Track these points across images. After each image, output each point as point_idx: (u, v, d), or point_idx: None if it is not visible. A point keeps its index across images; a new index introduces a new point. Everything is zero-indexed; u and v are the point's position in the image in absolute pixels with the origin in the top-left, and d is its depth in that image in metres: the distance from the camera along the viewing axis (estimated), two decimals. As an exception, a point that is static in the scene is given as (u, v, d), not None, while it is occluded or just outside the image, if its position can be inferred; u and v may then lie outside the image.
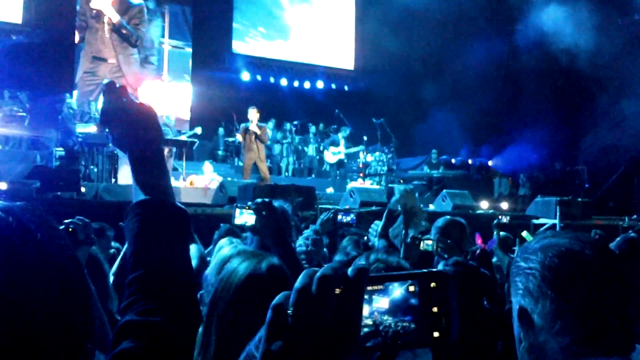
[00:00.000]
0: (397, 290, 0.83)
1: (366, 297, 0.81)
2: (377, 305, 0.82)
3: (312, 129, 19.19)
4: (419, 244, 3.99)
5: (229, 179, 12.86)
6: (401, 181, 17.85)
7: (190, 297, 1.35)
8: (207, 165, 14.68)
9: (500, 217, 6.14)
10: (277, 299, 0.78)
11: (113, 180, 11.97)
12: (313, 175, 18.50)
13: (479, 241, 5.16)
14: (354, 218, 5.04)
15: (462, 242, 4.64)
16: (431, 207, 13.37)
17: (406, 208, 4.23)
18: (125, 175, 12.15)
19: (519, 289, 1.42)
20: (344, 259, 3.65)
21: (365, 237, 4.87)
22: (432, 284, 0.83)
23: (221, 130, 18.46)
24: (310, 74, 23.15)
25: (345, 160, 17.27)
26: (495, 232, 5.86)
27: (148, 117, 1.50)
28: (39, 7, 17.61)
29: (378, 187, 15.64)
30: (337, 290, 0.77)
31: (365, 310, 0.81)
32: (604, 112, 19.61)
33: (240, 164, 15.25)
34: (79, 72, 10.32)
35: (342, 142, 16.95)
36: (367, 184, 16.55)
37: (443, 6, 20.49)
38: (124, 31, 10.25)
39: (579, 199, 13.47)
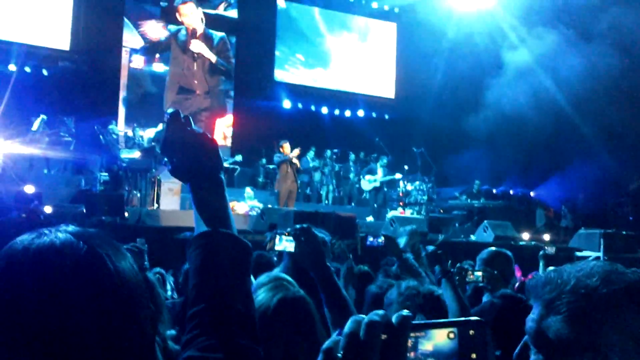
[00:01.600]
0: (440, 335, 0.87)
1: (412, 341, 0.86)
2: (422, 349, 0.87)
3: (352, 157, 19.20)
4: (465, 275, 3.95)
5: (270, 206, 12.92)
6: (441, 211, 17.74)
7: (251, 334, 1.32)
8: (248, 191, 14.79)
9: (546, 248, 6.04)
10: (328, 343, 0.83)
11: (156, 205, 12.09)
12: (353, 204, 18.47)
13: (518, 274, 5.07)
14: (383, 241, 5.08)
15: (507, 274, 4.57)
16: (472, 237, 13.26)
17: (414, 249, 4.28)
18: (167, 201, 12.28)
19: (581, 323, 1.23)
20: (378, 291, 3.67)
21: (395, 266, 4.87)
22: (471, 332, 0.87)
23: (263, 160, 18.56)
24: (351, 102, 23.21)
25: (385, 189, 17.20)
26: (541, 264, 5.77)
27: (209, 147, 1.51)
28: (86, 34, 18.07)
29: (419, 216, 15.55)
30: (383, 336, 0.81)
31: (412, 353, 0.86)
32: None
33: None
34: (166, 102, 10.46)
35: (379, 170, 16.92)
36: (407, 213, 16.47)
37: (484, 34, 20.44)
38: (222, 68, 10.47)
39: (623, 232, 13.24)
